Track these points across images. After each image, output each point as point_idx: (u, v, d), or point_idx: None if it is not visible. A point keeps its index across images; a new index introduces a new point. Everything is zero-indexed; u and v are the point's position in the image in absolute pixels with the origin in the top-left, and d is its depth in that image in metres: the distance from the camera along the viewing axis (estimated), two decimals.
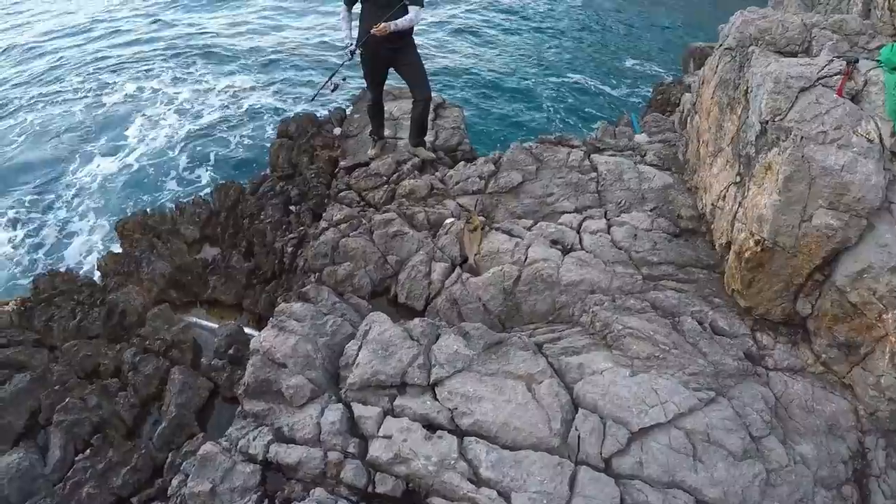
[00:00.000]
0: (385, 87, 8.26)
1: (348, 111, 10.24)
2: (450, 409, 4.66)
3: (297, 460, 4.55)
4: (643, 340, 5.12)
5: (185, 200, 9.07)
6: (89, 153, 14.40)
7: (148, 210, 8.84)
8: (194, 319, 7.11)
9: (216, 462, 4.66)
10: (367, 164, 8.17)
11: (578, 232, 6.47)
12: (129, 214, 8.78)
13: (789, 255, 5.15)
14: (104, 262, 7.82)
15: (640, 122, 9.35)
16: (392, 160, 7.87)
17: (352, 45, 7.27)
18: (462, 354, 4.97)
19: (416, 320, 5.42)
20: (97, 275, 7.99)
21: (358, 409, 4.84)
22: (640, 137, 8.45)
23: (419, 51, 7.78)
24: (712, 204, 6.40)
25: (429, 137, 8.48)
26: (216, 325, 6.84)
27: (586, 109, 15.86)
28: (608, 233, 6.42)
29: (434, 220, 6.82)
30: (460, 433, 4.58)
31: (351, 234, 6.71)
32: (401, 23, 7.04)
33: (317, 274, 6.58)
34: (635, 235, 6.34)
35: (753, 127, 5.53)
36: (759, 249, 5.26)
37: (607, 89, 17.10)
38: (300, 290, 6.14)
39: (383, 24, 6.88)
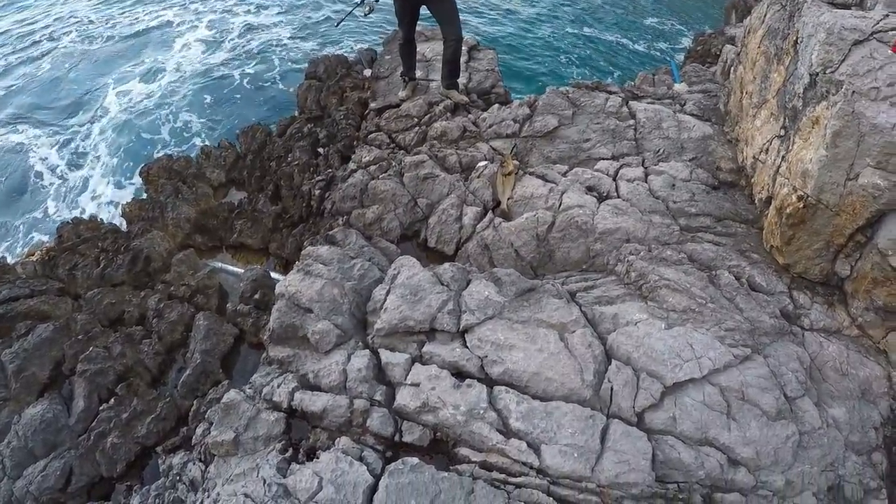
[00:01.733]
0: (417, 28, 8.05)
1: (379, 52, 10.02)
2: (479, 358, 4.58)
3: (322, 408, 4.51)
4: (679, 293, 5.00)
5: (209, 144, 8.99)
6: (109, 86, 14.25)
7: (173, 154, 8.80)
8: (220, 265, 7.08)
9: (240, 410, 4.65)
10: (397, 105, 8.01)
11: (615, 179, 6.31)
12: (154, 159, 8.67)
13: (832, 214, 4.99)
14: (128, 207, 7.77)
15: (680, 73, 9.10)
16: (423, 102, 7.70)
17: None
18: (493, 301, 4.87)
19: (447, 265, 5.31)
20: (122, 221, 7.94)
21: (385, 355, 4.78)
22: (680, 87, 8.22)
23: None
24: (753, 157, 6.21)
25: (462, 80, 8.27)
26: (242, 270, 6.79)
27: (623, 60, 15.49)
28: (645, 181, 6.24)
29: (466, 163, 6.69)
30: (490, 382, 4.51)
31: (380, 176, 6.59)
32: None
33: (345, 217, 6.49)
34: (673, 185, 6.18)
35: (802, 79, 5.30)
36: (801, 206, 5.09)
37: (646, 41, 16.70)
38: (327, 232, 6.05)
39: None
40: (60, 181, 11.81)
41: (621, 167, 6.46)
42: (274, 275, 6.55)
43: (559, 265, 5.79)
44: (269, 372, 5.04)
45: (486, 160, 6.60)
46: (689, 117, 7.14)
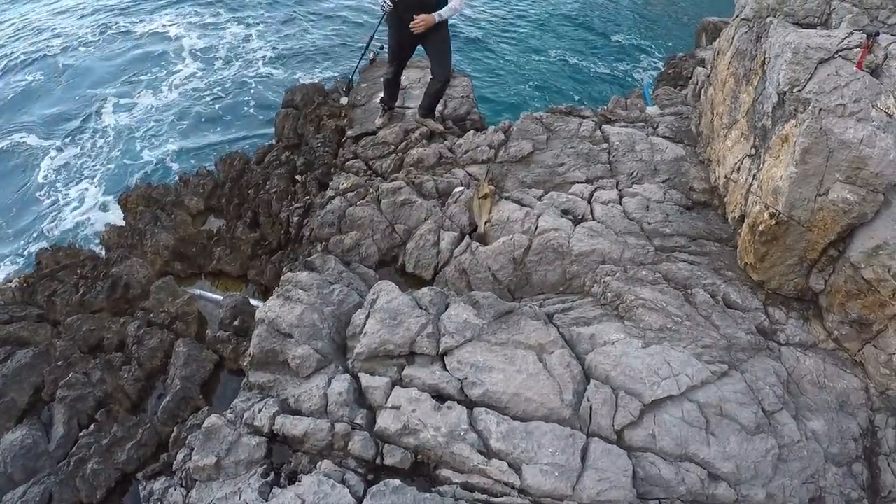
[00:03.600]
0: None
1: (355, 80, 10.08)
2: (459, 380, 4.60)
3: (304, 432, 4.48)
4: (655, 312, 5.05)
5: (188, 172, 8.89)
6: (99, 105, 14.14)
7: (151, 182, 8.72)
8: (199, 291, 7.00)
9: (221, 435, 4.61)
10: (374, 133, 8.05)
11: (590, 202, 6.38)
12: (133, 187, 8.58)
13: (804, 229, 5.06)
14: (107, 235, 7.67)
15: (652, 96, 9.21)
16: (400, 129, 7.77)
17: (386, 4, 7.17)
18: (472, 324, 4.91)
19: (425, 289, 5.34)
20: (100, 248, 7.84)
21: (365, 379, 4.78)
22: (652, 110, 8.33)
23: None
24: (726, 177, 6.31)
25: (437, 107, 8.36)
26: (221, 297, 6.73)
27: (595, 85, 15.57)
28: (620, 203, 6.32)
29: (443, 188, 6.74)
30: (470, 404, 4.52)
31: (358, 202, 6.62)
32: (445, 13, 6.99)
33: (323, 243, 6.49)
34: (647, 206, 6.25)
35: (770, 98, 5.42)
36: (773, 222, 5.16)
37: (617, 65, 16.79)
38: (306, 259, 6.05)
39: (424, 17, 6.90)
40: (50, 200, 11.72)
41: (596, 190, 6.54)
42: (253, 301, 6.51)
43: (536, 288, 5.83)
44: (250, 397, 5.01)
45: (462, 186, 6.66)
46: (662, 139, 7.23)
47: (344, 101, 9.30)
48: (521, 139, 7.16)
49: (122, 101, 14.30)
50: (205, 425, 4.69)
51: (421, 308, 5.08)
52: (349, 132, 8.37)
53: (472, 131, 7.64)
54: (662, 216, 6.17)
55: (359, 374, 4.87)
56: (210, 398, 5.80)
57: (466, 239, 6.17)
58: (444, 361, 4.77)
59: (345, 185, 6.90)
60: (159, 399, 5.70)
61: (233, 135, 13.09)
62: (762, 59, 5.78)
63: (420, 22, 6.89)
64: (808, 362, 5.04)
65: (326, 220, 6.57)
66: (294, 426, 4.54)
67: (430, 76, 7.78)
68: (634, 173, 6.77)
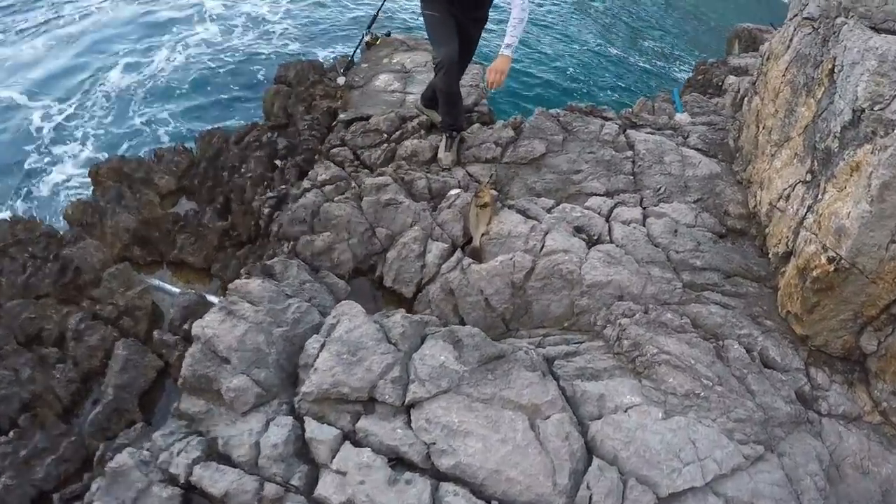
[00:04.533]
0: (399, 37, 7.14)
1: (357, 59, 9.13)
2: (426, 444, 3.60)
3: (224, 491, 3.51)
4: (682, 371, 4.07)
5: (164, 147, 8.04)
6: (87, 78, 13.35)
7: (125, 155, 7.90)
8: (157, 282, 6.16)
9: (130, 479, 3.67)
10: (367, 118, 7.07)
11: (608, 220, 5.39)
12: (105, 159, 7.78)
13: (868, 281, 4.13)
14: (71, 209, 6.78)
15: (682, 101, 8.25)
16: (396, 116, 6.75)
17: None
18: (450, 370, 3.89)
19: (398, 316, 4.33)
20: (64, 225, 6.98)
21: (311, 426, 3.80)
22: (682, 117, 7.36)
23: None
24: (770, 203, 5.32)
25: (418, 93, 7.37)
26: (182, 291, 5.83)
27: (619, 83, 14.57)
28: (643, 225, 5.34)
29: (436, 189, 5.74)
30: (436, 475, 3.54)
31: (336, 198, 5.65)
32: (518, 30, 5.47)
33: (291, 243, 5.54)
34: (675, 231, 5.28)
35: (840, 115, 4.42)
36: (831, 269, 4.20)
37: (643, 67, 15.81)
38: (264, 262, 5.10)
39: (503, 59, 5.46)
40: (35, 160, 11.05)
41: (616, 206, 5.55)
42: (213, 299, 5.57)
43: (536, 320, 4.86)
44: (175, 430, 4.07)
45: (459, 188, 5.66)
46: (694, 152, 6.28)
47: (341, 80, 8.38)
48: (533, 138, 6.16)
49: (130, 64, 13.69)
50: (112, 465, 3.75)
51: (389, 342, 4.09)
52: (341, 115, 7.41)
53: (477, 125, 6.62)
54: (693, 244, 5.20)
55: (305, 417, 3.91)
56: (149, 411, 4.91)
57: (458, 253, 5.18)
58: (409, 416, 3.78)
59: (323, 176, 5.93)
60: (94, 405, 4.83)
61: (233, 108, 12.25)
62: (830, 66, 4.77)
63: (497, 82, 5.50)
64: (851, 440, 4.14)
65: (297, 216, 5.61)
66: (214, 482, 3.58)
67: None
68: (662, 189, 5.79)
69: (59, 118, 12.01)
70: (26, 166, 10.79)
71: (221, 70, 13.32)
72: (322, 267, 5.36)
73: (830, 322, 4.46)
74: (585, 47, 16.28)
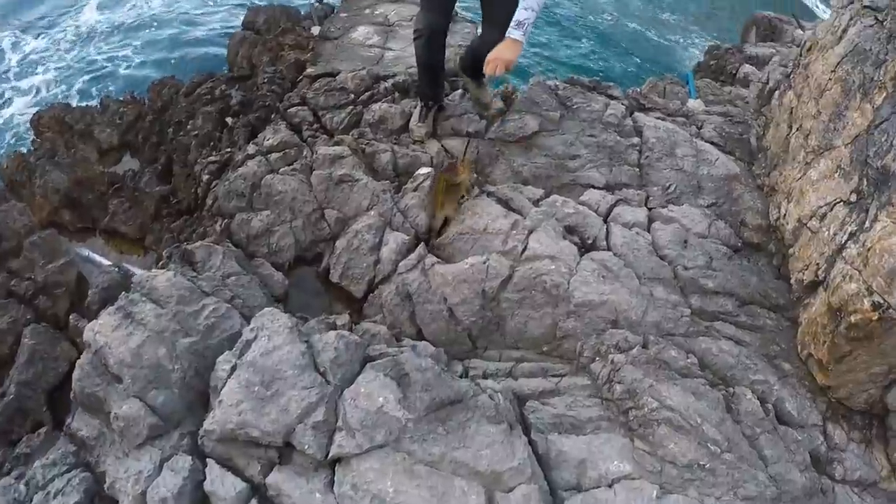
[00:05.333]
0: None
1: (336, 7, 8.15)
2: None
3: None
4: (685, 434, 3.19)
5: (112, 96, 7.31)
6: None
7: (73, 101, 7.64)
8: (87, 252, 5.42)
9: None
10: (336, 73, 6.10)
11: (606, 220, 4.48)
12: (48, 106, 7.00)
13: None
14: (6, 163, 6.06)
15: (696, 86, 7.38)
16: (368, 74, 5.76)
17: None
18: (389, 417, 2.92)
19: (332, 335, 3.32)
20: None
21: (213, 474, 2.94)
22: (695, 104, 6.49)
23: None
24: (799, 220, 4.43)
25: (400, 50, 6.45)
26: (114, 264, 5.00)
27: (627, 59, 13.68)
28: (648, 230, 4.45)
29: (403, 166, 4.78)
30: None
31: (282, 169, 4.72)
32: (534, 8, 3.95)
33: (225, 220, 4.65)
34: (685, 242, 4.39)
35: None
36: (875, 316, 3.37)
37: (654, 41, 15.02)
38: (184, 247, 4.17)
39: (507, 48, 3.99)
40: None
41: (617, 203, 4.62)
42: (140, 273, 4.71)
43: (510, 339, 3.96)
44: (59, 460, 3.28)
45: (430, 168, 4.68)
46: (710, 146, 5.39)
47: (315, 30, 7.47)
48: (525, 112, 5.18)
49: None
50: None
51: (316, 369, 3.13)
52: (309, 70, 6.45)
53: (460, 90, 5.54)
54: (705, 259, 4.32)
55: (209, 458, 3.03)
56: (62, 409, 4.06)
57: (420, 248, 4.24)
58: (333, 472, 2.88)
59: (271, 140, 4.99)
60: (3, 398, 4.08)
61: (204, 53, 11.43)
62: None
63: (500, 68, 4.00)
64: None
65: (235, 189, 4.70)
66: None
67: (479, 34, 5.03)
68: (672, 187, 4.88)
69: (27, 48, 11.62)
70: None
71: (199, 10, 12.53)
72: (258, 253, 4.50)
73: (859, 374, 3.70)
74: (597, 16, 15.49)
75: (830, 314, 3.70)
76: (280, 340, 3.22)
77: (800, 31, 10.76)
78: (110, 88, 10.09)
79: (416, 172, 4.62)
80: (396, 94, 5.58)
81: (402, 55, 6.47)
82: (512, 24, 3.94)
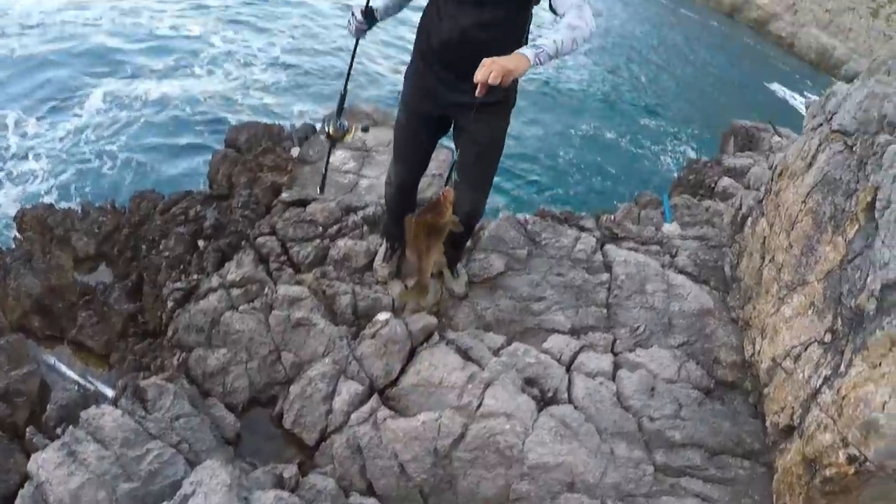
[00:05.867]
0: (366, 108, 6.07)
1: (317, 127, 8.20)
2: None
3: None
4: None
5: (91, 203, 7.14)
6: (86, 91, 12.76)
7: (54, 204, 7.06)
8: (53, 361, 5.25)
9: None
10: (310, 201, 6.06)
11: (569, 370, 4.31)
12: (32, 206, 6.93)
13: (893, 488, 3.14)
14: None
15: (671, 206, 7.30)
16: (337, 206, 5.70)
17: (358, 21, 3.96)
18: None
19: (272, 496, 3.19)
20: None
21: None
22: (670, 228, 6.40)
23: None
24: (773, 359, 4.28)
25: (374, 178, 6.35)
26: (77, 376, 5.04)
27: (602, 175, 13.54)
28: (613, 379, 4.27)
29: (363, 309, 4.66)
30: None
31: (242, 306, 4.61)
32: (550, 47, 3.14)
33: (183, 354, 4.52)
34: (652, 389, 4.23)
35: (883, 268, 3.46)
36: (850, 470, 3.19)
37: (631, 154, 14.97)
38: (135, 383, 4.04)
39: (502, 62, 2.99)
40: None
41: (582, 349, 4.46)
42: (108, 392, 4.65)
43: (462, 498, 3.75)
44: None
45: (389, 313, 4.51)
46: (682, 277, 5.29)
47: (295, 151, 7.50)
48: (491, 251, 5.08)
49: (114, 89, 13.02)
50: None
51: None
52: (284, 195, 6.41)
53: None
54: (673, 408, 4.16)
55: None
56: None
57: (374, 400, 4.06)
58: None
59: (233, 275, 4.90)
60: None
61: (190, 161, 11.26)
62: (869, 199, 3.82)
63: (495, 73, 2.96)
64: None
65: (195, 323, 4.60)
66: None
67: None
68: (641, 328, 4.74)
69: (27, 129, 11.39)
70: None
71: (196, 115, 12.50)
72: (213, 391, 4.36)
73: None
74: (571, 130, 15.48)
75: (805, 465, 3.56)
76: (216, 500, 3.03)
77: (777, 138, 10.83)
78: (91, 189, 10.07)
79: (375, 318, 4.47)
80: (365, 228, 5.50)
81: (377, 183, 6.44)
82: (529, 43, 3.27)
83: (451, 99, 3.83)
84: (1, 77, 13.01)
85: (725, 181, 8.57)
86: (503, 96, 3.77)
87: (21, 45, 14.27)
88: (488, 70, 2.96)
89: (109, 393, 4.65)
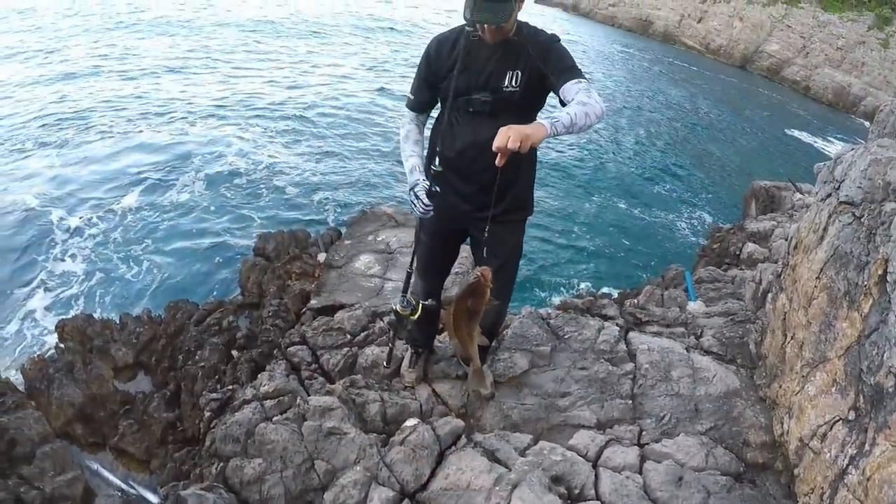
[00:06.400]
0: (388, 210, 6.27)
1: (343, 232, 8.45)
2: None
3: None
4: None
5: (129, 314, 7.44)
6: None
7: (93, 314, 7.45)
8: (96, 466, 5.58)
9: None
10: (339, 307, 6.25)
11: (595, 465, 4.37)
12: (72, 316, 7.26)
13: None
14: (30, 366, 6.26)
15: (694, 282, 7.34)
16: (363, 313, 5.88)
17: (423, 183, 3.80)
18: None
19: None
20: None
21: None
22: (695, 307, 6.46)
23: None
24: (801, 440, 4.30)
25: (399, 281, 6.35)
26: (120, 482, 5.38)
27: (624, 251, 13.51)
28: (640, 472, 4.31)
29: (392, 415, 4.77)
30: None
31: (276, 417, 4.74)
32: (565, 119, 3.25)
33: (221, 464, 4.63)
34: (680, 479, 4.25)
35: None
36: None
37: (650, 228, 14.94)
38: (178, 492, 4.18)
39: (519, 130, 3.03)
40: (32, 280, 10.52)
41: (608, 444, 4.51)
42: (153, 498, 5.07)
43: None
44: None
45: (417, 419, 4.64)
46: (708, 360, 5.35)
47: (321, 257, 7.75)
48: (515, 350, 5.21)
49: (148, 188, 13.72)
50: None
51: None
52: (312, 302, 6.64)
53: None
54: (701, 497, 4.16)
55: None
56: None
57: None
58: None
59: (266, 387, 5.04)
60: None
61: (223, 267, 11.34)
62: (880, 271, 3.85)
63: (513, 138, 3.01)
64: None
65: (231, 434, 4.71)
66: None
67: None
68: (666, 417, 4.79)
69: (70, 224, 11.92)
70: (13, 281, 10.33)
71: (225, 219, 12.80)
72: (251, 500, 4.43)
73: None
74: (590, 202, 15.63)
75: None
76: None
77: (799, 195, 10.86)
78: (124, 293, 10.29)
79: (404, 424, 4.60)
80: (391, 333, 5.65)
81: (401, 286, 6.59)
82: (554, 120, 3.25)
83: (468, 214, 4.02)
84: (58, 171, 13.85)
85: (750, 247, 8.63)
86: (514, 218, 4.04)
87: (77, 141, 15.28)
88: (506, 136, 3.02)
89: (151, 497, 5.05)
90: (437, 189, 3.80)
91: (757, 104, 34.07)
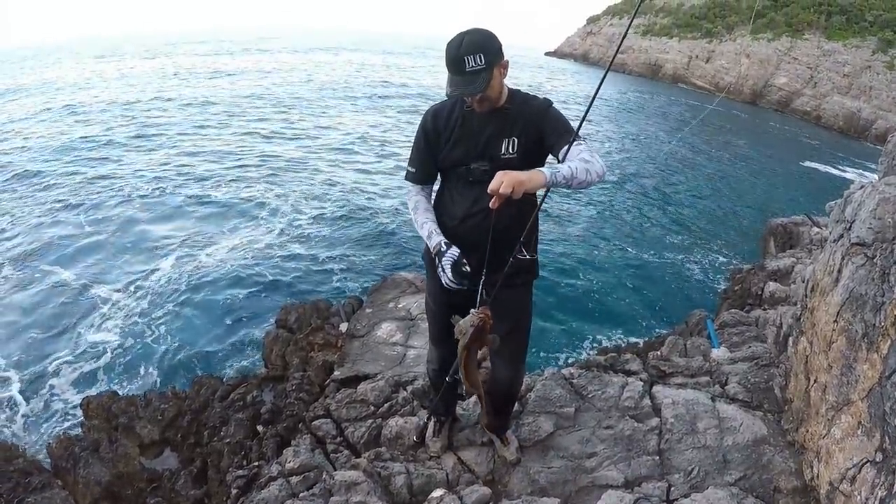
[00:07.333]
0: (408, 276, 6.32)
1: (364, 301, 8.52)
2: None
3: None
4: None
5: (153, 391, 7.67)
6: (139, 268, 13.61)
7: (118, 391, 7.74)
8: None
9: None
10: (362, 377, 6.30)
11: None
12: (97, 393, 7.44)
13: None
14: (55, 444, 6.37)
15: (717, 330, 7.29)
16: (386, 383, 5.91)
17: (448, 251, 3.64)
18: None
19: None
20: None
21: None
22: (718, 354, 6.43)
23: None
24: (831, 483, 4.25)
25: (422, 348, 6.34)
26: None
27: (643, 300, 13.35)
28: None
29: (418, 487, 4.75)
30: None
31: (302, 493, 4.75)
32: (565, 170, 3.25)
33: None
34: None
35: None
36: None
37: (670, 274, 14.86)
38: None
39: (513, 176, 3.07)
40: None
41: (636, 502, 4.47)
42: None
43: None
44: None
45: (444, 490, 4.66)
46: (734, 408, 5.32)
47: (343, 327, 7.80)
48: (539, 413, 5.21)
49: (182, 257, 14.14)
50: None
51: None
52: (335, 373, 6.68)
53: (473, 399, 5.40)
54: None
55: None
56: None
57: None
58: None
59: (291, 464, 5.07)
60: None
61: (250, 338, 11.50)
62: None
63: (506, 183, 3.06)
64: None
65: None
66: None
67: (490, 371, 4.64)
68: (695, 471, 4.76)
69: (103, 294, 12.30)
70: (40, 354, 10.49)
71: (249, 290, 12.92)
72: None
73: None
74: (607, 255, 15.56)
75: None
76: None
77: (816, 230, 10.82)
78: (149, 366, 10.29)
79: (430, 496, 4.60)
80: (415, 403, 5.68)
81: (423, 353, 6.64)
82: (553, 170, 3.26)
83: (474, 281, 3.89)
84: (98, 240, 14.54)
85: (772, 286, 8.59)
86: (527, 270, 4.00)
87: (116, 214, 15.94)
88: (499, 180, 3.06)
89: None
90: (468, 269, 3.63)
91: (770, 138, 34.20)
